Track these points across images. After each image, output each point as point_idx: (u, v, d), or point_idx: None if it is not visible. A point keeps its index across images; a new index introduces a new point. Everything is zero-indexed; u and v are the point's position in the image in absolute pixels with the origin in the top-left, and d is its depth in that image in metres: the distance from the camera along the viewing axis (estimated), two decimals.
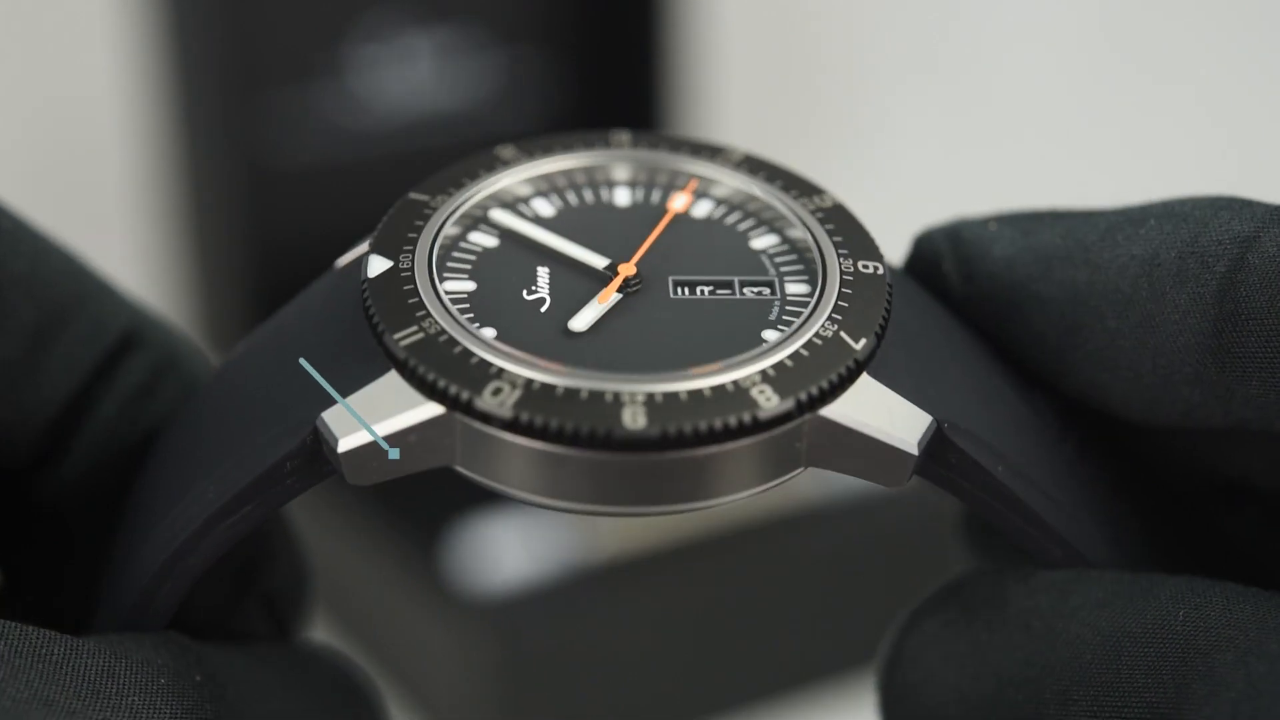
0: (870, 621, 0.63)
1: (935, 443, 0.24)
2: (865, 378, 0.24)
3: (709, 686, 0.63)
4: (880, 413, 0.24)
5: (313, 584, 0.28)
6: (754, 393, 0.23)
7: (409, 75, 0.72)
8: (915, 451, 0.23)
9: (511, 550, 0.62)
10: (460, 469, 0.23)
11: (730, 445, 0.23)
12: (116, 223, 0.78)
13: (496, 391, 0.23)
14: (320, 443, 0.23)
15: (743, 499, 0.23)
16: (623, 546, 0.62)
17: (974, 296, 0.26)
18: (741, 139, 0.89)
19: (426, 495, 0.64)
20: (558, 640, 0.60)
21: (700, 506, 0.23)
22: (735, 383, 0.23)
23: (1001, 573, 0.25)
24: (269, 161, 0.70)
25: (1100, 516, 0.26)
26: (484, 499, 0.63)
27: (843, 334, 0.24)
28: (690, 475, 0.23)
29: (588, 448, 0.22)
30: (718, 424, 0.22)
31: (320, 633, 0.66)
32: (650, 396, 0.22)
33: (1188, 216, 0.25)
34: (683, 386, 0.23)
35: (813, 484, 0.64)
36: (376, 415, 0.23)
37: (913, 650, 0.25)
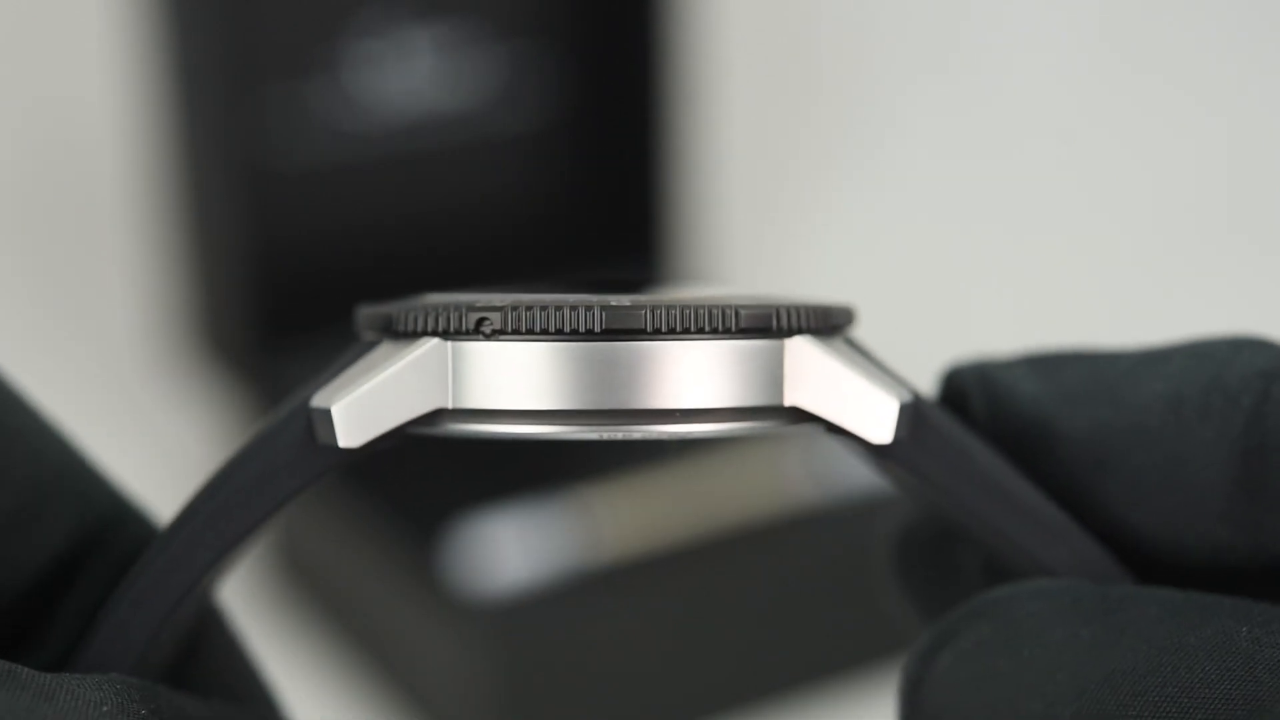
0: (872, 623, 0.63)
1: (916, 420, 0.24)
2: (847, 340, 0.24)
3: (710, 687, 0.63)
4: (864, 366, 0.24)
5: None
6: (738, 304, 0.23)
7: (408, 72, 0.71)
8: (899, 402, 0.23)
9: (512, 551, 0.61)
10: (452, 408, 0.23)
11: (713, 341, 0.23)
12: (114, 223, 0.78)
13: (487, 308, 0.23)
14: (313, 429, 0.23)
15: (731, 430, 0.23)
16: (624, 548, 0.62)
17: (1000, 434, 0.26)
18: (743, 139, 0.88)
19: (426, 495, 0.63)
20: (558, 641, 0.60)
21: (687, 424, 0.23)
22: (721, 300, 0.23)
23: (1041, 586, 0.24)
24: (268, 161, 0.70)
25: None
26: (484, 498, 0.63)
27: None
28: (673, 368, 0.23)
29: (575, 337, 0.23)
30: (703, 314, 0.23)
31: (319, 634, 0.66)
32: (636, 299, 0.23)
33: (1211, 355, 0.25)
34: (671, 298, 0.23)
35: (813, 484, 0.64)
36: (369, 375, 0.23)
37: (942, 671, 0.24)
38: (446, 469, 0.64)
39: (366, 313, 0.25)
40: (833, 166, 0.84)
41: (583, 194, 0.77)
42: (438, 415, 0.23)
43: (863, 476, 0.63)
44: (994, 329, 0.74)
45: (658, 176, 0.75)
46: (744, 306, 0.23)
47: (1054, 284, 0.81)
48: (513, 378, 0.23)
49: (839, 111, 0.86)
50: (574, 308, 0.23)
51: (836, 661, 0.64)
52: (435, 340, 0.23)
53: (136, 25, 0.70)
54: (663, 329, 0.23)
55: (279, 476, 0.24)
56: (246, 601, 0.66)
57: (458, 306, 0.23)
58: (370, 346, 0.24)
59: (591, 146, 0.76)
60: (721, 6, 0.80)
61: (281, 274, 0.69)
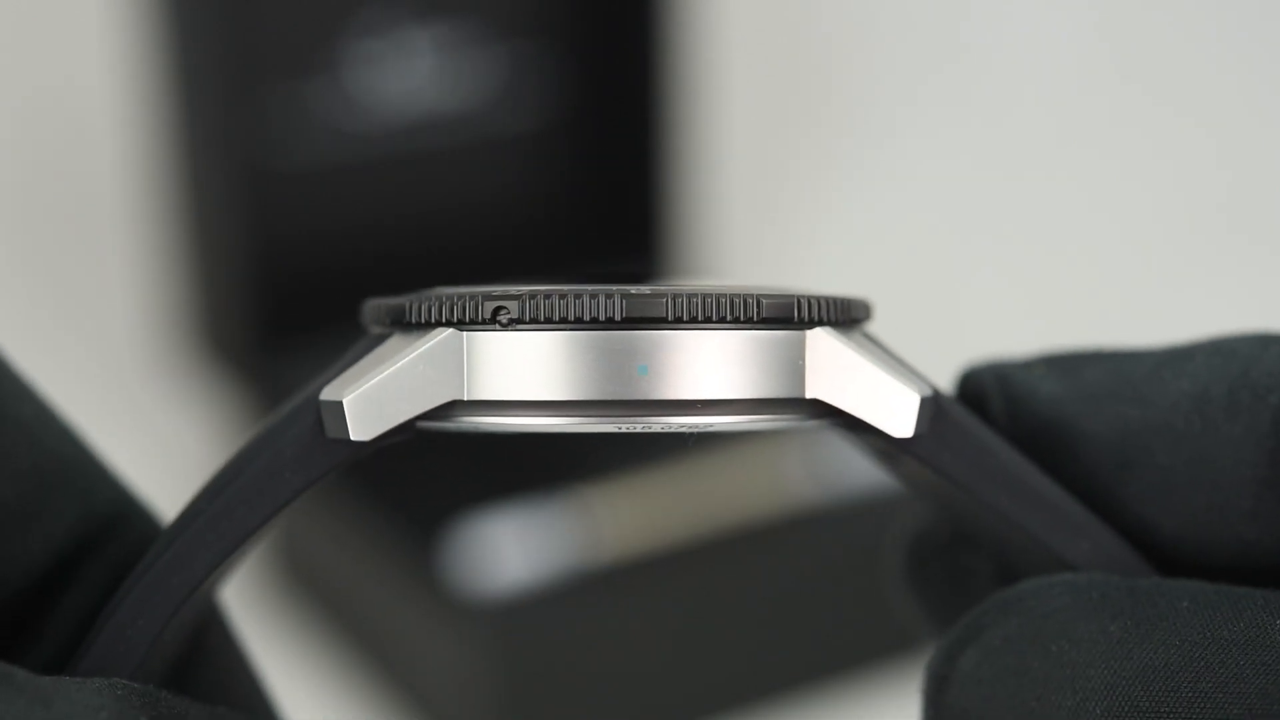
0: (872, 623, 0.63)
1: (936, 414, 0.24)
2: (865, 334, 0.24)
3: (710, 687, 0.63)
4: (884, 359, 0.23)
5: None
6: (759, 294, 0.23)
7: (408, 72, 0.71)
8: (920, 396, 0.23)
9: (512, 551, 0.61)
10: (467, 400, 0.23)
11: (735, 330, 0.23)
12: (114, 223, 0.78)
13: (504, 297, 0.23)
14: (322, 423, 0.23)
15: (751, 424, 0.23)
16: (624, 548, 0.62)
17: (1021, 436, 0.25)
18: (743, 138, 0.88)
19: (426, 495, 0.63)
20: (558, 641, 0.60)
21: (708, 415, 0.23)
22: (741, 290, 0.23)
23: (1066, 580, 0.24)
24: (268, 161, 0.70)
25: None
26: (484, 498, 0.63)
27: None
28: (694, 357, 0.23)
29: (594, 325, 0.22)
30: (725, 303, 0.22)
31: (319, 634, 0.66)
32: (655, 288, 0.23)
33: (1235, 352, 0.24)
34: (691, 287, 0.23)
35: (814, 484, 0.64)
36: (382, 367, 0.23)
37: (968, 668, 0.24)
38: (446, 469, 0.64)
39: (376, 305, 0.24)
40: (833, 166, 0.84)
41: (583, 194, 0.77)
42: (451, 408, 0.23)
43: (863, 476, 0.63)
44: (994, 329, 0.74)
45: (658, 176, 0.75)
46: (766, 296, 0.23)
47: (1054, 285, 0.81)
48: (530, 368, 0.23)
49: (838, 111, 0.86)
50: (593, 295, 0.22)
51: (836, 661, 0.64)
52: (449, 330, 0.23)
53: (137, 26, 0.70)
54: (684, 317, 0.22)
55: (285, 473, 0.23)
56: (247, 602, 0.66)
57: (473, 296, 0.23)
58: (380, 339, 0.24)
59: (591, 146, 0.76)
60: (721, 6, 0.80)
61: (281, 274, 0.69)
